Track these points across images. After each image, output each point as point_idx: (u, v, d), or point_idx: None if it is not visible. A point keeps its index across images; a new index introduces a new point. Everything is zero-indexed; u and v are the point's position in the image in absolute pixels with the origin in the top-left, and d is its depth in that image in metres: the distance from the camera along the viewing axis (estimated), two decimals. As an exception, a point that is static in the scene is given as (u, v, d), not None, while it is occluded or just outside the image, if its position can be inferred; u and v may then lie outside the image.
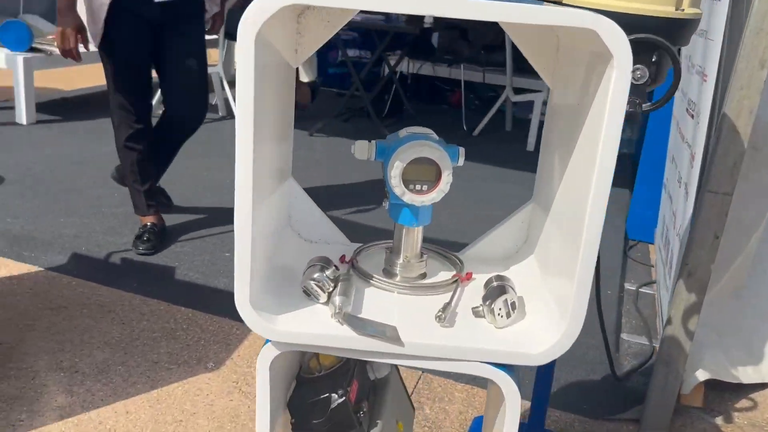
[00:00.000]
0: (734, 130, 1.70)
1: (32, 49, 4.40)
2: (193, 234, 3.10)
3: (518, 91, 5.15)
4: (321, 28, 1.15)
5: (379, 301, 1.08)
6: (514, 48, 2.88)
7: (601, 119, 0.87)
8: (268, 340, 1.00)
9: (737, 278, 2.39)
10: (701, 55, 2.32)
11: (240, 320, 0.97)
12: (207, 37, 2.95)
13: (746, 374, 2.22)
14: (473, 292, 1.12)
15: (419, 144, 1.06)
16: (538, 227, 1.21)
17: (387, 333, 0.97)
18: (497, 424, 1.09)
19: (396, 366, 1.33)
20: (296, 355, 1.18)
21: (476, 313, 1.05)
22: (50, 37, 4.38)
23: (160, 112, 3.01)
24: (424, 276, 1.16)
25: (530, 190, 1.28)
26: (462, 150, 1.11)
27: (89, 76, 5.65)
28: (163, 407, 1.94)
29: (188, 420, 1.90)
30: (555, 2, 1.09)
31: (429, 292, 1.12)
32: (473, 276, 1.18)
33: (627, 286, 2.96)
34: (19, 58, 4.32)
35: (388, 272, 1.15)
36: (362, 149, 1.09)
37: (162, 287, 2.61)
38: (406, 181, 1.07)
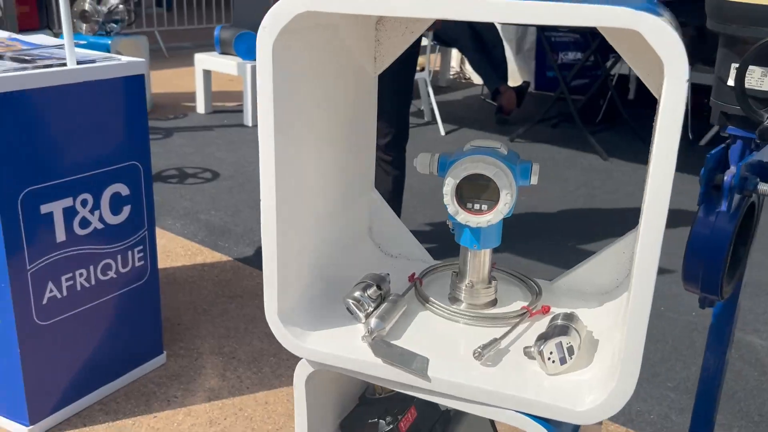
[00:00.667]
0: None
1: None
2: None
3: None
4: (399, 36, 1.10)
5: (428, 328, 1.00)
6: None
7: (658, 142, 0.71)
8: (303, 356, 0.97)
9: None
10: None
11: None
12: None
13: None
14: (541, 328, 0.99)
15: (476, 159, 0.96)
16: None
17: (414, 365, 0.89)
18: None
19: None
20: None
21: (528, 354, 0.92)
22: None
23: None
24: (492, 304, 1.05)
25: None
26: (536, 167, 0.98)
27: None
28: (299, 402, 2.01)
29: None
30: None
31: (488, 324, 1.01)
32: (551, 310, 1.04)
33: None
34: (248, 66, 4.79)
35: (452, 297, 1.06)
36: (424, 162, 1.02)
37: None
38: (464, 199, 0.97)
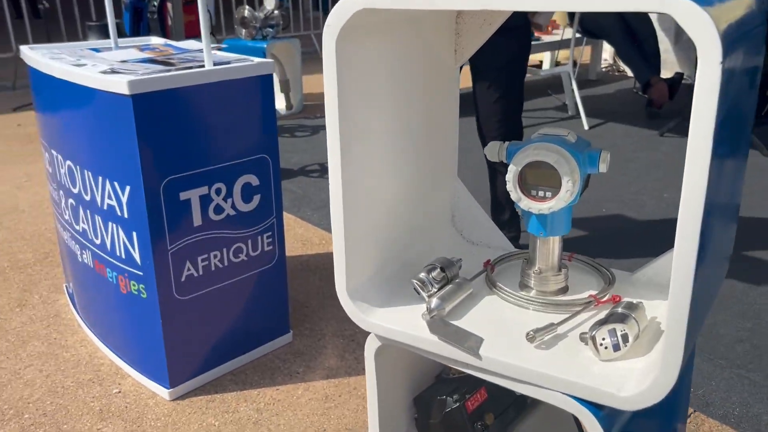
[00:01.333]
0: None
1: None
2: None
3: None
4: (477, 29, 1.13)
5: (491, 312, 1.03)
6: None
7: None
8: (372, 331, 1.04)
9: None
10: None
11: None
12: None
13: None
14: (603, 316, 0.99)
15: (539, 147, 0.97)
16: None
17: (466, 343, 0.93)
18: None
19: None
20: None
21: (583, 339, 0.93)
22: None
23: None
24: (562, 291, 1.06)
25: None
26: (605, 155, 0.98)
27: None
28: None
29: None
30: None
31: (552, 310, 1.02)
32: (622, 300, 1.03)
33: None
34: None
35: (522, 284, 1.08)
36: (493, 150, 1.05)
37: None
38: (528, 186, 0.99)
